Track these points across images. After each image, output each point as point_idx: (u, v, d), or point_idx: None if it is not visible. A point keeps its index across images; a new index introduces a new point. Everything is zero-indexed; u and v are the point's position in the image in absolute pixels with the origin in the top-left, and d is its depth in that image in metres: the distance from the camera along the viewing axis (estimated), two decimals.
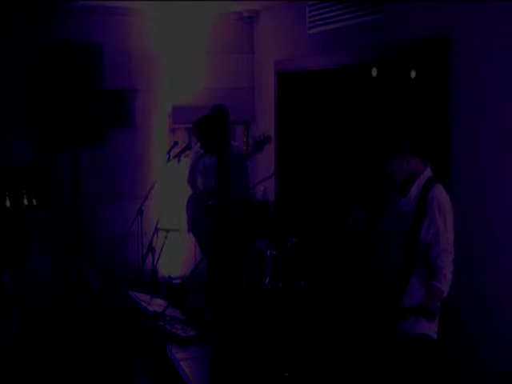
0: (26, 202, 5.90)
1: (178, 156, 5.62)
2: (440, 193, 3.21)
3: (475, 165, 4.12)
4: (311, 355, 4.56)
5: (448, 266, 3.16)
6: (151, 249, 5.34)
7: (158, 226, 5.46)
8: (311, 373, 4.37)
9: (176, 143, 5.75)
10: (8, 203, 5.78)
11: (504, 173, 3.93)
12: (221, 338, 4.64)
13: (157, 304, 4.23)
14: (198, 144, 5.60)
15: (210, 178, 5.52)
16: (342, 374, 4.25)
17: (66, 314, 5.59)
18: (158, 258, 5.35)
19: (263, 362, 4.41)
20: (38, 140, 5.80)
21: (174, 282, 6.31)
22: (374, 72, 5.27)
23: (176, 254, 6.31)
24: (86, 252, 5.91)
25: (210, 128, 5.34)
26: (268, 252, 5.70)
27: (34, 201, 5.94)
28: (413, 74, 4.93)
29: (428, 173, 3.31)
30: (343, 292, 4.89)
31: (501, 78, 3.93)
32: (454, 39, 4.19)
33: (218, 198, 5.40)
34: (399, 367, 3.29)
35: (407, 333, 3.26)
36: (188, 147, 5.76)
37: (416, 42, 4.50)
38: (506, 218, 3.92)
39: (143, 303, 4.12)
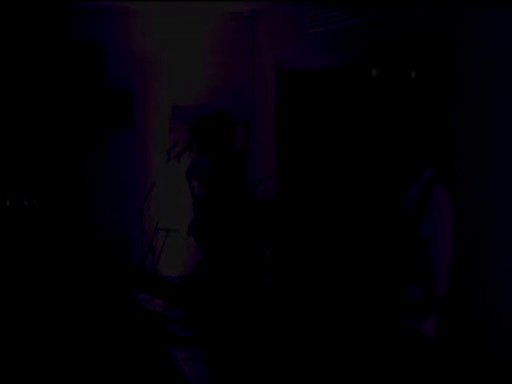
0: (26, 202, 5.90)
1: (178, 156, 5.62)
2: (440, 193, 3.20)
3: (478, 165, 4.12)
4: (311, 353, 4.56)
5: (444, 268, 3.15)
6: (151, 249, 5.34)
7: (158, 226, 5.45)
8: (311, 370, 4.37)
9: (176, 143, 5.75)
10: (8, 203, 5.79)
11: (507, 173, 3.93)
12: (219, 338, 4.64)
13: (157, 304, 4.23)
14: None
15: (205, 179, 5.52)
16: (341, 370, 4.25)
17: (65, 314, 5.59)
18: (158, 258, 5.35)
19: (263, 362, 4.40)
20: (38, 140, 5.80)
21: (174, 281, 6.31)
22: (374, 72, 5.26)
23: (176, 253, 6.31)
24: (86, 252, 5.91)
25: (203, 130, 5.33)
26: (268, 252, 5.70)
27: (35, 201, 5.95)
28: (413, 74, 4.92)
29: (429, 172, 3.31)
30: (343, 288, 4.90)
31: (504, 78, 3.93)
32: (456, 39, 4.19)
33: (214, 199, 5.39)
34: (393, 363, 3.29)
35: (402, 329, 3.25)
36: (188, 147, 5.76)
37: (417, 41, 4.50)
38: (508, 218, 3.92)
39: (143, 303, 4.12)
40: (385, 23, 4.85)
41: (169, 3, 6.08)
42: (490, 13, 3.93)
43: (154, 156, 6.51)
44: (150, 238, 5.37)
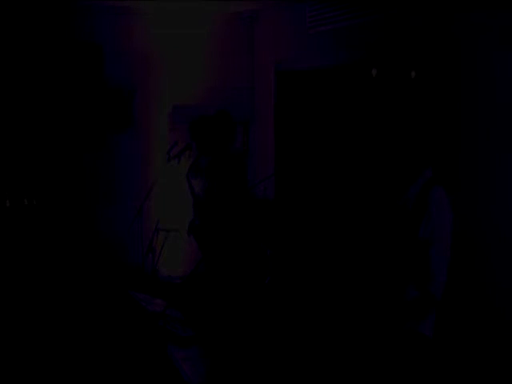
0: (26, 201, 5.91)
1: (178, 156, 5.61)
2: (440, 195, 3.20)
3: (480, 166, 4.12)
4: (311, 353, 4.57)
5: (442, 271, 3.14)
6: (151, 249, 5.34)
7: (158, 226, 5.45)
8: (311, 370, 4.37)
9: (176, 143, 5.75)
10: (8, 203, 5.79)
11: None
12: (219, 338, 4.65)
13: (157, 304, 4.23)
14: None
15: (205, 179, 5.51)
16: (341, 370, 4.26)
17: (65, 314, 5.60)
18: (158, 258, 5.34)
19: (263, 362, 4.41)
20: (38, 139, 5.80)
21: (174, 281, 6.31)
22: (374, 72, 5.26)
23: (176, 253, 6.31)
24: (86, 252, 5.91)
25: (203, 130, 5.32)
26: (268, 252, 5.69)
27: (34, 201, 5.95)
28: (413, 74, 4.92)
29: (429, 173, 3.31)
30: (343, 288, 4.90)
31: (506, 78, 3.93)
32: (457, 39, 4.19)
33: (214, 199, 5.38)
34: (393, 362, 3.29)
35: (402, 329, 3.25)
36: (188, 147, 5.76)
37: (419, 41, 4.50)
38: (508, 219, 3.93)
39: (143, 303, 4.11)
40: (385, 23, 4.85)
41: (169, 3, 6.08)
42: (492, 13, 3.93)
43: (154, 156, 6.51)
44: (150, 238, 5.36)
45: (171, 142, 6.03)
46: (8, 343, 4.84)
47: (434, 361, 3.38)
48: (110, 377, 4.40)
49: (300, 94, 6.34)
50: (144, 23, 6.43)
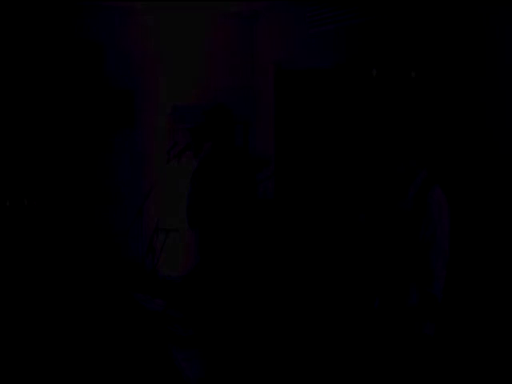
0: (26, 202, 5.91)
1: (178, 156, 5.60)
2: (439, 195, 3.20)
3: (477, 166, 4.12)
4: (311, 353, 4.57)
5: (442, 271, 3.15)
6: (151, 249, 5.34)
7: (158, 226, 5.45)
8: (311, 370, 4.37)
9: (176, 143, 5.74)
10: (8, 203, 5.79)
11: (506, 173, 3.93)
12: (219, 338, 4.65)
13: (157, 304, 4.24)
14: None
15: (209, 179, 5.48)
16: (341, 370, 4.26)
17: (66, 314, 5.60)
18: (158, 258, 5.35)
19: (263, 362, 4.41)
20: (38, 139, 5.80)
21: (174, 281, 6.31)
22: (374, 72, 5.27)
23: (176, 253, 6.31)
24: (86, 252, 5.91)
25: (221, 119, 5.17)
26: (270, 251, 5.69)
27: (35, 201, 5.95)
28: (413, 74, 4.92)
29: (424, 173, 3.31)
30: (344, 289, 4.90)
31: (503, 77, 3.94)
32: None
33: (216, 197, 5.36)
34: (393, 361, 3.29)
35: (403, 329, 3.25)
36: (188, 147, 5.75)
37: (416, 42, 4.50)
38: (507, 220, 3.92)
39: (143, 303, 4.13)
40: (385, 23, 4.85)
41: (169, 3, 6.08)
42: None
43: (155, 156, 6.51)
44: (150, 237, 5.37)
45: (171, 142, 6.03)
46: (8, 343, 4.84)
47: (435, 358, 3.38)
48: (111, 376, 4.41)
49: (300, 93, 6.34)
50: (144, 23, 6.44)
